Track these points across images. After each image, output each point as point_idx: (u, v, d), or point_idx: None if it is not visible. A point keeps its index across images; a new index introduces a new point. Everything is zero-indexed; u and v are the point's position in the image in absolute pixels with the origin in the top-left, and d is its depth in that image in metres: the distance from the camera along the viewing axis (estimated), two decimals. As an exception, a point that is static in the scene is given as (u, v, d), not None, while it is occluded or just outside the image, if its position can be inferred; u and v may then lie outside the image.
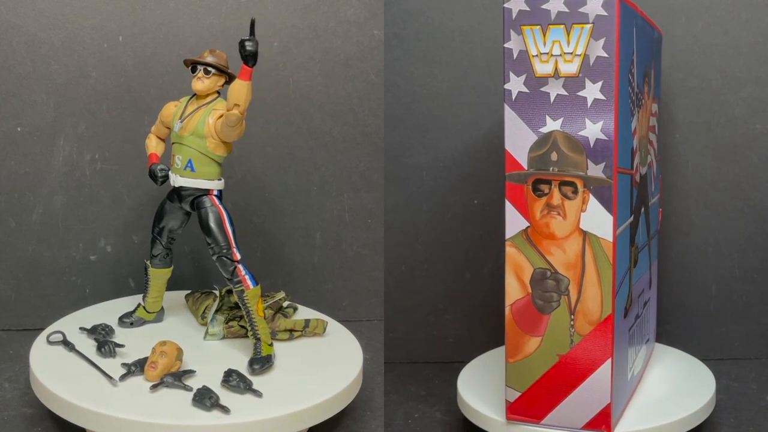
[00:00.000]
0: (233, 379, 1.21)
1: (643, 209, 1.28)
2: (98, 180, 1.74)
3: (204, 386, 1.18)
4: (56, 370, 1.24)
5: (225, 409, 1.14)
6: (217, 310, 1.45)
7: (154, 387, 1.19)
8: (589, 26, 1.07)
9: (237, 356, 1.33)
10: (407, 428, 1.40)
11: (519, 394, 1.19)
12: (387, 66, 1.65)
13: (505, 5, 1.12)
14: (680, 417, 1.21)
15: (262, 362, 1.28)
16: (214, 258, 1.31)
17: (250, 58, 1.22)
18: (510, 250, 1.17)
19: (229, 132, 1.28)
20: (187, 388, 1.19)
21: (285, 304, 1.55)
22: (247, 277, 1.31)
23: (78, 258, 1.75)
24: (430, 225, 1.67)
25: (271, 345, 1.32)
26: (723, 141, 1.64)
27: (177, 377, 1.21)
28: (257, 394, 1.19)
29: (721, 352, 1.68)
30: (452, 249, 1.67)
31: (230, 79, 1.35)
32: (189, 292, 1.58)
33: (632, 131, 1.17)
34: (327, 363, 1.34)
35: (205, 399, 1.14)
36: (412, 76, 1.64)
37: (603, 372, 1.13)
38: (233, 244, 1.31)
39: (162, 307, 1.51)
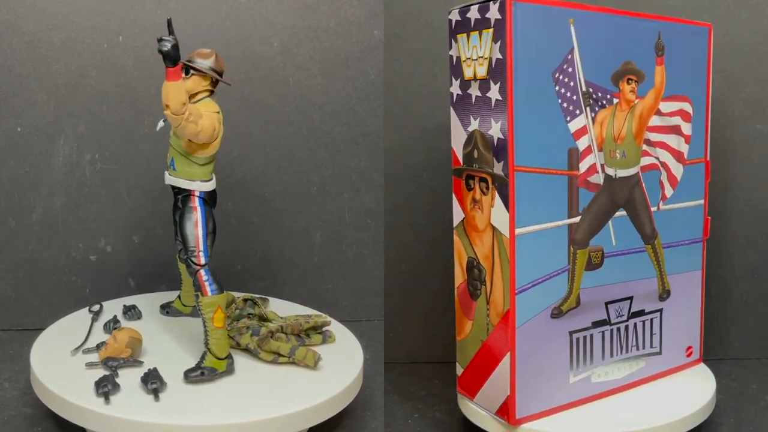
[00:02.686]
0: (146, 378, 1.20)
1: (626, 213, 1.27)
2: (98, 180, 1.74)
3: (106, 375, 1.20)
4: (56, 370, 1.24)
5: (107, 400, 1.14)
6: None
7: (89, 365, 1.26)
8: (491, 30, 1.11)
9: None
10: (407, 428, 1.40)
11: (462, 370, 1.29)
12: (387, 66, 1.65)
13: (449, 16, 1.19)
14: (680, 417, 1.21)
15: (196, 372, 1.24)
16: (184, 259, 1.30)
17: (165, 58, 1.18)
18: (455, 238, 1.25)
19: (180, 133, 1.24)
20: (113, 374, 1.22)
21: (324, 328, 1.47)
22: (206, 283, 1.27)
23: (78, 258, 1.75)
24: (430, 225, 1.67)
25: (223, 359, 1.27)
26: (723, 141, 1.64)
27: (116, 363, 1.25)
28: (157, 399, 1.17)
29: (721, 352, 1.68)
30: (452, 249, 1.66)
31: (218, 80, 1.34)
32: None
33: (572, 132, 1.18)
34: (327, 363, 1.34)
35: (99, 387, 1.17)
36: (412, 76, 1.64)
37: (505, 364, 1.17)
38: (200, 248, 1.28)
39: None
